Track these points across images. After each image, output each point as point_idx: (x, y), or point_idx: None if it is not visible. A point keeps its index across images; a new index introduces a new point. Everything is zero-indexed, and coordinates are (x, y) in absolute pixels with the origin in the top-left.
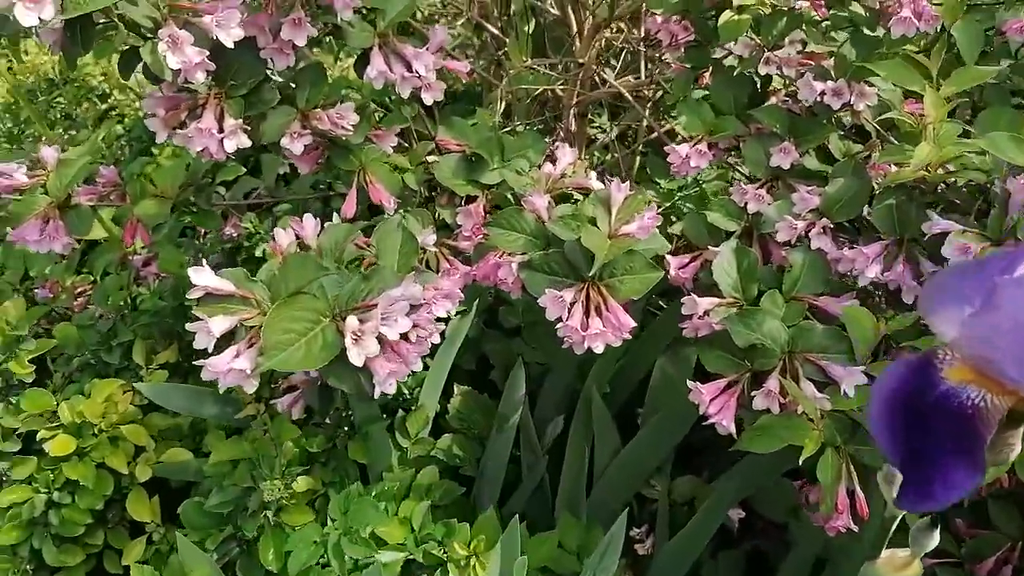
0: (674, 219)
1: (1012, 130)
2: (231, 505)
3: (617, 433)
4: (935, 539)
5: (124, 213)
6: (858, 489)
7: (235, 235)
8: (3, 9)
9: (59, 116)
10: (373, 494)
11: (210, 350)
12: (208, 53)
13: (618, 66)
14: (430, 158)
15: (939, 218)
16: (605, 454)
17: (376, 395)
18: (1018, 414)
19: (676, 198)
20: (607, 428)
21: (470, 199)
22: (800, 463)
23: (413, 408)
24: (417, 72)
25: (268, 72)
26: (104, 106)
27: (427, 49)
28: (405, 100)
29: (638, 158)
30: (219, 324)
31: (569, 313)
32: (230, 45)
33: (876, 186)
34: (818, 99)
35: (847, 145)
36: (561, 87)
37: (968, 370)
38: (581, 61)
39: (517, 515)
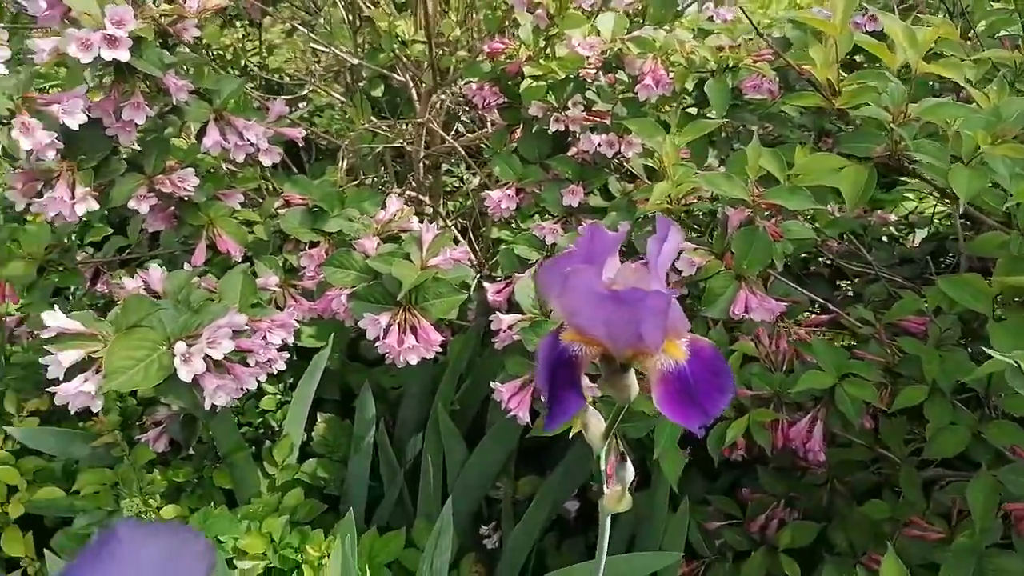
0: None
1: (742, 170)
2: (97, 526)
3: (464, 445)
4: (631, 471)
5: None
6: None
7: (106, 291)
8: None
9: None
10: (239, 516)
11: (61, 379)
12: (57, 135)
13: (459, 125)
14: (282, 211)
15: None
16: (455, 464)
17: (207, 406)
18: (618, 363)
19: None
20: (455, 441)
21: (313, 245)
22: None
23: (279, 437)
24: (249, 140)
25: (116, 146)
26: None
27: (269, 119)
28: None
29: None
30: (68, 356)
31: (386, 333)
32: (75, 128)
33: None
34: (597, 149)
35: (623, 185)
36: (409, 144)
37: (571, 332)
38: (420, 121)
39: (357, 517)
